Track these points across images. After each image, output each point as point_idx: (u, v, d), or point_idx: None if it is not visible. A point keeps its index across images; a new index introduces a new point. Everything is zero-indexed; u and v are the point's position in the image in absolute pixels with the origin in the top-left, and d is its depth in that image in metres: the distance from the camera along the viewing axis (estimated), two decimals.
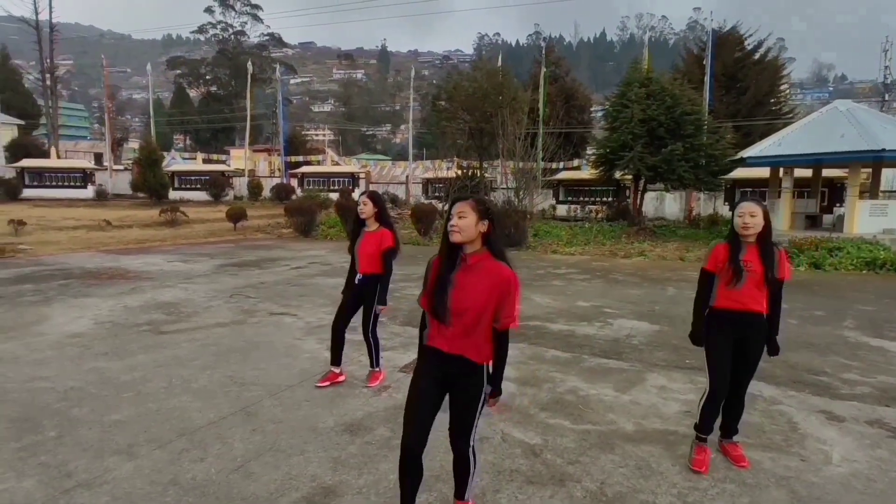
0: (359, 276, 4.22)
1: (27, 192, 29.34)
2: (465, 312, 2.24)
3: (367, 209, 4.18)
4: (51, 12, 40.81)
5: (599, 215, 24.81)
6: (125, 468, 2.99)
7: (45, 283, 8.48)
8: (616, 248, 14.45)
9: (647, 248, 14.26)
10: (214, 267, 10.52)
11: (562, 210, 27.89)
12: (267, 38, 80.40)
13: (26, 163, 30.82)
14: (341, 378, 4.40)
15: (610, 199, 26.97)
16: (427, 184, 33.57)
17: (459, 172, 23.93)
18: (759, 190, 22.31)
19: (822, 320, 6.88)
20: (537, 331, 6.13)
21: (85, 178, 31.47)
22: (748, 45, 32.37)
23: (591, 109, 35.70)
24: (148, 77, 37.64)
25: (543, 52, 30.86)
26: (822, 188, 19.71)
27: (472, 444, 2.41)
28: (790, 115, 31.39)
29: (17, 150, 33.36)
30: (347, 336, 4.36)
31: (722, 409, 3.26)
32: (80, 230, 16.31)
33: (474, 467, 2.46)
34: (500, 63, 30.90)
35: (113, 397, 3.98)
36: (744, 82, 31.08)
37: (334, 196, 25.65)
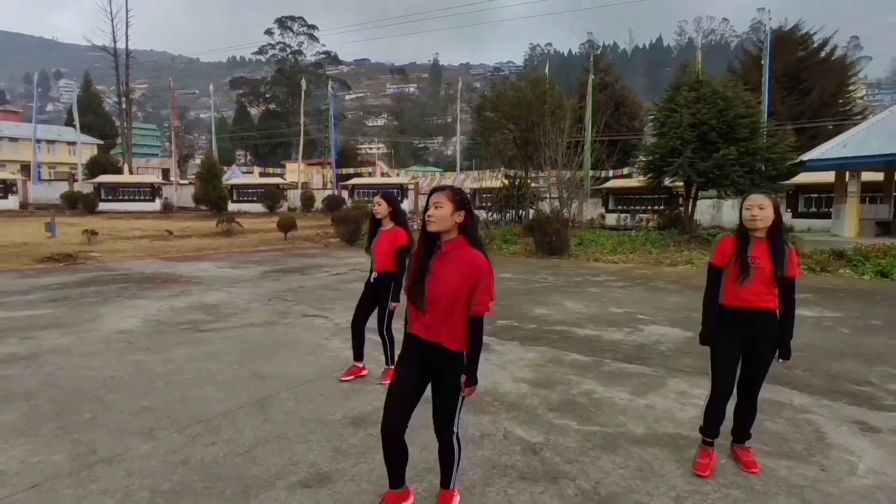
0: (374, 275, 4.35)
1: (103, 206, 31.81)
2: (439, 299, 2.30)
3: (381, 209, 4.31)
4: (127, 41, 44.29)
5: (650, 224, 24.07)
6: (144, 448, 3.21)
7: (106, 286, 9.16)
8: (663, 257, 13.97)
9: (695, 257, 13.69)
10: (260, 273, 11.00)
11: (611, 219, 27.28)
12: (323, 55, 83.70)
13: (102, 179, 33.45)
14: (364, 372, 4.53)
15: (661, 207, 26.13)
16: (474, 194, 33.72)
17: (506, 182, 23.93)
18: (825, 196, 21.01)
19: (877, 330, 6.40)
20: (562, 335, 6.05)
21: (153, 192, 33.77)
22: (813, 43, 30.69)
23: (644, 116, 34.82)
24: (211, 97, 39.93)
25: (591, 59, 30.52)
26: None
27: (455, 431, 2.44)
28: (861, 117, 29.41)
29: (95, 168, 36.28)
30: (368, 335, 4.49)
31: (734, 414, 3.13)
32: (144, 240, 17.47)
33: (458, 455, 2.48)
34: (546, 72, 30.80)
35: (145, 386, 4.27)
36: (807, 83, 29.44)
37: None
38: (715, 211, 26.35)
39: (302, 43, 79.30)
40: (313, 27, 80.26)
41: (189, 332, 6.09)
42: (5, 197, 31.83)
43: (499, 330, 6.24)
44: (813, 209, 21.74)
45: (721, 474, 2.96)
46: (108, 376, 4.51)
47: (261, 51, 79.55)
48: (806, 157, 16.26)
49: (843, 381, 4.55)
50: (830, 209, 18.79)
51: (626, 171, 29.05)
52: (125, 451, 3.18)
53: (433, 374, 2.41)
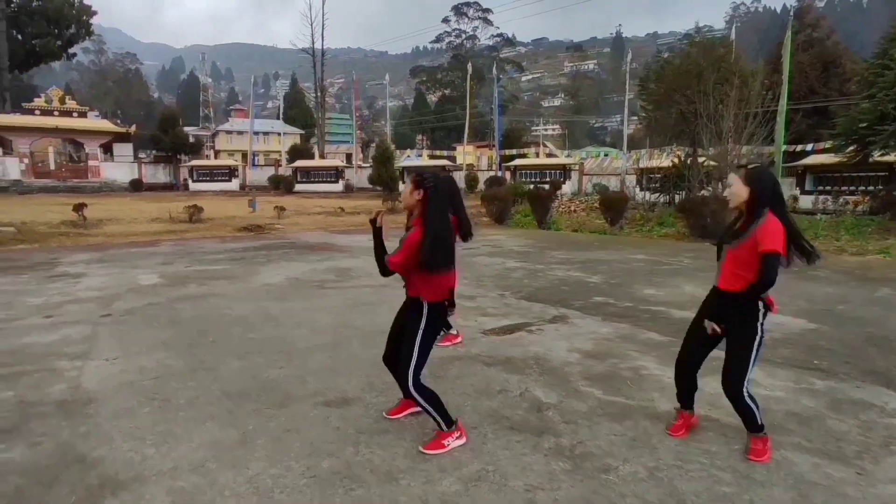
0: None
1: (298, 187, 37.32)
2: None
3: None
4: (323, 41, 50.22)
5: (858, 207, 20.11)
6: (233, 365, 4.12)
7: (274, 250, 11.06)
8: (851, 244, 11.80)
9: (894, 245, 11.28)
10: None
11: (806, 202, 23.38)
12: (497, 38, 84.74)
13: (298, 163, 39.19)
14: (458, 339, 4.81)
15: (878, 187, 21.52)
16: (641, 174, 31.58)
17: (676, 161, 22.05)
18: None
19: None
20: (653, 315, 5.75)
21: (337, 174, 38.48)
22: None
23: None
24: (386, 87, 43.66)
25: (791, 13, 26.04)
26: None
27: (409, 378, 2.73)
28: None
29: (294, 154, 42.55)
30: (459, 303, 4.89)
31: None
32: (320, 215, 20.26)
33: (427, 404, 2.77)
34: (733, 35, 27.13)
35: (260, 324, 5.31)
36: None
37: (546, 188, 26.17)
38: None
39: (476, 28, 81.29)
40: (487, 10, 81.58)
41: (315, 288, 7.20)
42: (229, 180, 39.31)
43: (588, 305, 6.17)
44: None
45: (721, 456, 2.77)
46: (239, 315, 5.68)
47: (438, 39, 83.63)
48: None
49: None
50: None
51: (828, 144, 24.51)
52: (220, 364, 4.12)
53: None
